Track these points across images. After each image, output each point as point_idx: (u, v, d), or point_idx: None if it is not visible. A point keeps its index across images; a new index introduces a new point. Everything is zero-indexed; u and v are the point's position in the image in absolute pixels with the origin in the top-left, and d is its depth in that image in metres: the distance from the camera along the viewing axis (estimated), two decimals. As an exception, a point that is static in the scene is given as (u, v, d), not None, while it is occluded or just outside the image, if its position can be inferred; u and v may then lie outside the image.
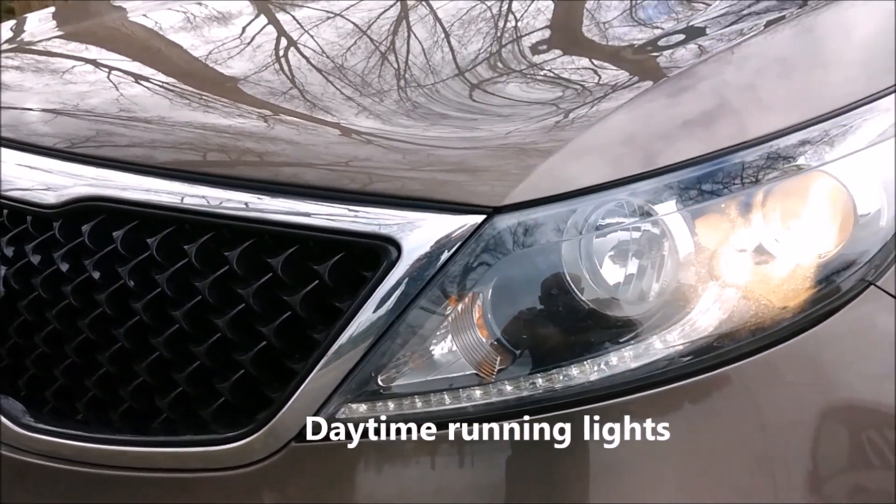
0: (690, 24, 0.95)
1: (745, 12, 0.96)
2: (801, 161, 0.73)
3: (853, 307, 0.72)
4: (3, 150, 0.88)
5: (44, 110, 0.93)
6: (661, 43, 0.90)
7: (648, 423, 0.67)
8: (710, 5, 0.98)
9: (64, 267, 0.81)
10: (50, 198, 0.83)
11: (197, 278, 0.75)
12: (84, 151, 0.84)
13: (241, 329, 0.74)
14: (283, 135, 0.81)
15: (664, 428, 0.67)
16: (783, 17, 0.92)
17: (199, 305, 0.75)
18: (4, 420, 0.84)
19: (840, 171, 0.73)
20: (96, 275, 0.79)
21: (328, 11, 1.16)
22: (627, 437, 0.67)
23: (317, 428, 0.69)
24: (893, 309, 0.73)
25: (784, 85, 0.80)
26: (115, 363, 0.79)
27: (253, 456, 0.71)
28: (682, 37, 0.90)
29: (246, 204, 0.75)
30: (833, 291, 0.71)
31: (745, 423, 0.70)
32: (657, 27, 0.96)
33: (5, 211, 0.88)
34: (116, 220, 0.81)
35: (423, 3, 1.19)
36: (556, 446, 0.67)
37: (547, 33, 1.04)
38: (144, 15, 1.29)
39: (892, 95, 0.82)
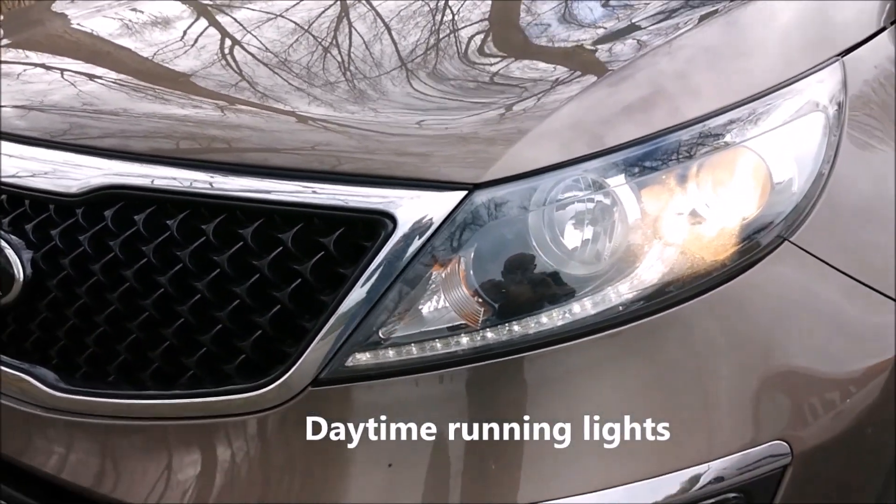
0: (631, 21, 1.08)
1: (681, 8, 1.10)
2: (727, 138, 0.88)
3: (771, 258, 0.87)
4: (28, 146, 0.98)
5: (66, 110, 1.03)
6: (603, 39, 1.04)
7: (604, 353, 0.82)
8: (648, 3, 1.12)
9: (90, 248, 0.92)
10: (73, 187, 0.94)
11: (215, 253, 0.87)
12: (102, 145, 0.95)
13: (256, 296, 0.85)
14: (286, 128, 0.93)
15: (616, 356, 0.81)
16: (716, 11, 1.05)
17: (218, 277, 0.87)
18: (40, 385, 0.95)
19: (759, 146, 0.88)
20: (123, 254, 0.90)
21: None
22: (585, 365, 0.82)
23: (329, 375, 0.82)
24: (802, 258, 0.89)
25: (713, 72, 0.94)
26: (144, 330, 0.90)
27: (278, 399, 0.83)
28: (623, 33, 1.04)
29: (256, 188, 0.86)
30: (754, 246, 0.86)
31: (683, 351, 0.84)
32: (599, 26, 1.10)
33: (27, 200, 0.98)
34: (134, 205, 0.92)
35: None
36: (527, 377, 0.82)
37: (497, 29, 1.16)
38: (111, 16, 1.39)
39: (805, 79, 0.97)
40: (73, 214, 0.95)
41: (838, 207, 0.93)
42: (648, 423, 0.83)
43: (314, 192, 0.84)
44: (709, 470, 0.84)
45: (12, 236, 0.97)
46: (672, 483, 0.83)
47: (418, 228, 0.81)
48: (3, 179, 0.99)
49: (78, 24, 1.42)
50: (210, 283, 0.87)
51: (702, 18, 1.05)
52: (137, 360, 0.91)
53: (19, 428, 0.97)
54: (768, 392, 0.87)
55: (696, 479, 0.84)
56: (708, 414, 0.85)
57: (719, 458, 0.84)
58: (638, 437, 0.83)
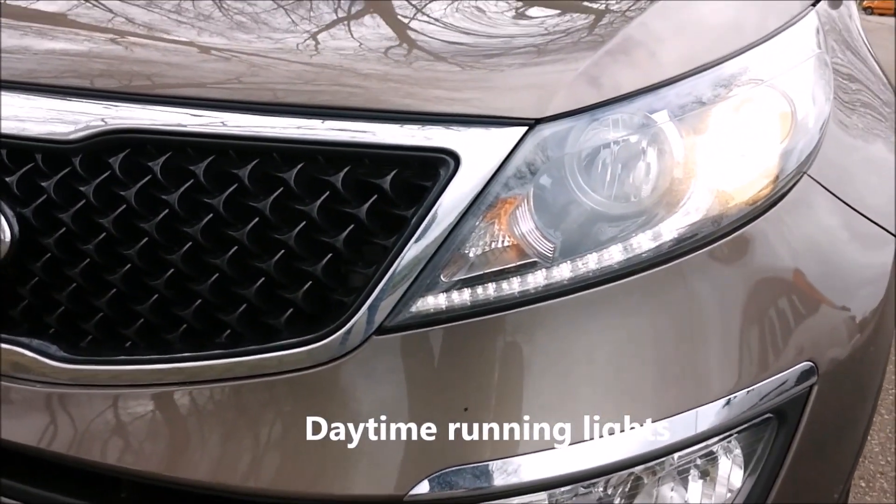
0: None
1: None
2: (756, 75, 0.91)
3: (795, 191, 0.92)
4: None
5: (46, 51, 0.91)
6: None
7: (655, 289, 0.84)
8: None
9: (95, 200, 0.82)
10: (68, 133, 0.83)
11: (252, 200, 0.80)
12: (102, 86, 0.85)
13: (304, 243, 0.80)
14: (330, 60, 0.86)
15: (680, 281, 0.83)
16: None
17: (259, 224, 0.80)
18: (42, 358, 0.85)
19: (784, 84, 0.92)
20: (138, 204, 0.81)
21: None
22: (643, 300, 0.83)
23: (396, 321, 0.79)
24: (818, 191, 0.94)
25: (734, 11, 0.97)
26: (172, 288, 0.82)
27: (339, 351, 0.79)
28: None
29: (298, 127, 0.80)
30: (784, 180, 0.90)
31: (722, 284, 0.87)
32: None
33: (3, 150, 0.86)
34: (144, 151, 0.83)
35: None
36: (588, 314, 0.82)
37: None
38: None
39: (798, 23, 1.03)
40: (67, 164, 0.84)
41: (838, 142, 0.99)
42: (694, 354, 0.86)
43: (366, 131, 0.79)
44: (749, 394, 0.88)
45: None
46: (715, 409, 0.86)
47: (481, 166, 0.79)
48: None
49: None
50: (250, 232, 0.80)
51: None
52: (163, 321, 0.83)
53: (20, 409, 0.86)
54: (797, 318, 0.91)
55: (736, 404, 0.87)
56: (748, 342, 0.88)
57: (758, 382, 0.87)
58: (686, 367, 0.85)
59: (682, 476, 0.89)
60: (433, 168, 0.79)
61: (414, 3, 1.02)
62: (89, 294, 0.84)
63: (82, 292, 0.85)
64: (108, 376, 0.84)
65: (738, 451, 0.91)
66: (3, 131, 0.85)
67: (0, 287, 0.87)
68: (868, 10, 26.08)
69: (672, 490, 0.89)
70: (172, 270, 0.82)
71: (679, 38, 0.92)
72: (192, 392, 0.82)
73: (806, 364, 0.90)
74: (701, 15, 0.97)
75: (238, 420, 0.81)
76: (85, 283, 0.84)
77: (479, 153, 0.79)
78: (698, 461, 0.89)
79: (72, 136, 0.83)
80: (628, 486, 0.86)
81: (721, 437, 0.87)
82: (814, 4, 1.15)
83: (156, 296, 0.83)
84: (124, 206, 0.82)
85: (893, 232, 1.03)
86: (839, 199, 0.96)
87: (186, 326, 0.83)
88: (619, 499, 0.86)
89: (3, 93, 0.86)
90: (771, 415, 0.90)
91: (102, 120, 0.83)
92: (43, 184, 0.84)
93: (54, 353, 0.85)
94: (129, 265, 0.83)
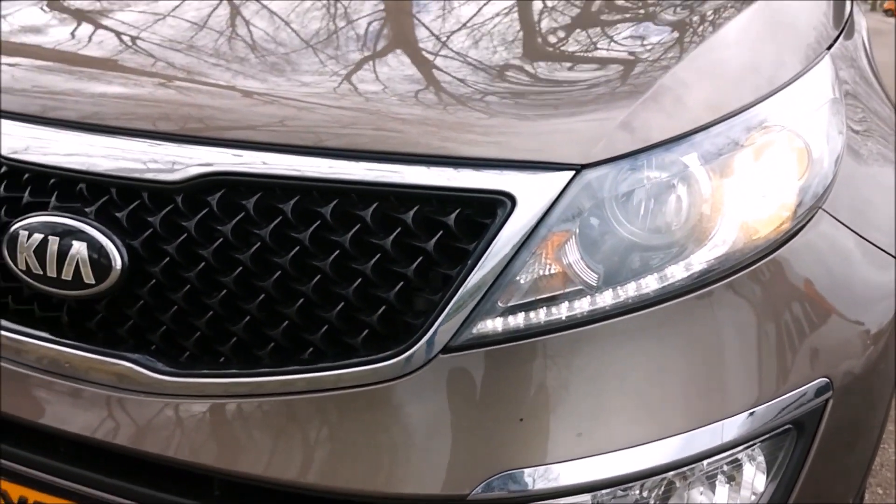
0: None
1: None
2: (778, 121, 1.02)
3: (811, 224, 1.02)
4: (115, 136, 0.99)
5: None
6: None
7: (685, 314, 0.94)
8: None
9: (196, 233, 0.95)
10: (172, 175, 0.95)
11: (334, 234, 0.92)
12: (203, 134, 0.97)
13: (379, 272, 0.91)
14: (403, 112, 0.98)
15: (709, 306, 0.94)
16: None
17: (339, 256, 0.92)
18: (146, 371, 0.97)
19: (801, 127, 1.03)
20: (233, 238, 0.93)
21: None
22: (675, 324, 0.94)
23: (459, 341, 0.90)
24: (832, 224, 1.05)
25: (753, 60, 1.09)
26: (261, 310, 0.94)
27: (408, 368, 0.90)
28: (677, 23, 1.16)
29: (370, 170, 0.92)
30: (803, 215, 1.01)
31: (748, 309, 0.98)
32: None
33: (113, 189, 0.99)
34: (238, 191, 0.95)
35: None
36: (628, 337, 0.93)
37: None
38: None
39: (815, 68, 1.14)
40: (170, 202, 0.96)
41: (850, 178, 1.10)
42: (721, 371, 0.96)
43: (436, 174, 0.91)
44: (770, 407, 0.98)
45: (100, 224, 0.97)
46: (739, 421, 0.97)
47: (535, 206, 0.90)
48: (88, 168, 0.99)
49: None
50: (332, 262, 0.92)
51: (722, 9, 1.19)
52: (254, 340, 0.95)
53: (125, 416, 0.98)
54: (813, 338, 1.02)
55: (758, 416, 0.97)
56: (769, 361, 0.99)
57: (779, 396, 0.98)
58: (714, 383, 0.96)
59: (710, 480, 0.99)
60: (492, 207, 0.91)
61: (458, 49, 1.13)
62: (189, 315, 0.96)
63: (183, 314, 0.97)
64: (205, 388, 0.96)
65: (761, 459, 1.02)
66: (114, 172, 0.98)
67: (110, 309, 0.99)
68: (888, 13, 25.95)
69: (701, 493, 1.00)
70: (263, 296, 0.94)
71: (707, 87, 1.03)
72: (279, 402, 0.94)
73: (822, 380, 1.01)
74: (726, 65, 1.08)
75: (321, 427, 0.93)
76: (186, 306, 0.96)
77: (532, 195, 0.90)
78: (725, 467, 0.99)
79: (175, 178, 0.95)
80: (662, 489, 0.97)
81: (745, 445, 0.98)
82: (829, 48, 1.27)
83: (248, 317, 0.95)
84: (221, 239, 0.94)
85: (894, 255, 1.13)
86: (849, 228, 1.07)
87: (274, 344, 0.95)
88: (653, 501, 0.97)
89: (114, 136, 0.99)
90: (791, 426, 1.00)
91: (202, 163, 0.95)
92: (149, 219, 0.96)
93: (158, 367, 0.97)
94: (225, 291, 0.94)
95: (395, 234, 0.91)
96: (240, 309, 0.95)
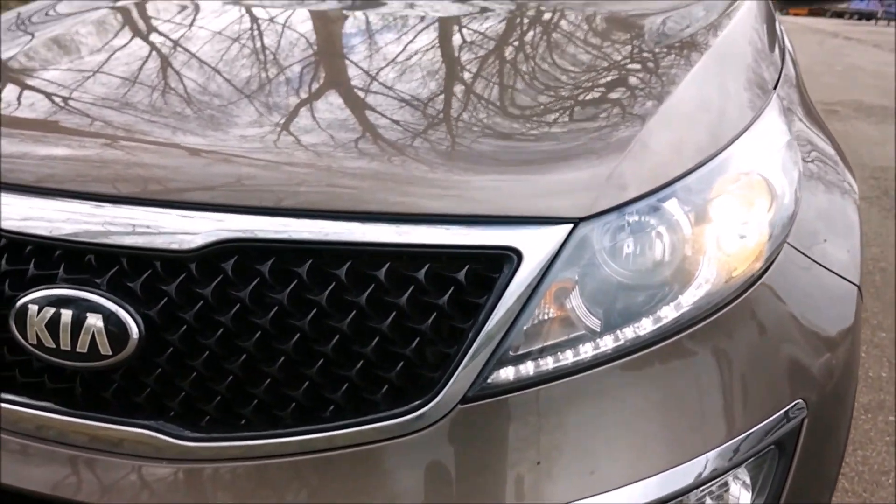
0: (646, 61, 1.29)
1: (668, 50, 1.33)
2: (743, 164, 1.11)
3: (780, 258, 1.12)
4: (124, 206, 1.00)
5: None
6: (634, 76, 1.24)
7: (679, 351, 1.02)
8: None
9: (213, 300, 0.97)
10: (189, 243, 0.98)
11: (349, 295, 0.96)
12: (214, 200, 1.00)
13: (395, 330, 0.96)
14: (411, 173, 1.03)
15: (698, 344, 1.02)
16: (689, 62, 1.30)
17: (356, 316, 0.96)
18: (167, 438, 0.99)
19: (764, 168, 1.13)
20: (250, 302, 0.97)
21: None
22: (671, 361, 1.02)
23: (476, 392, 0.95)
24: (796, 256, 1.14)
25: (719, 111, 1.18)
26: (281, 372, 0.97)
27: (429, 420, 0.95)
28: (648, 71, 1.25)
29: (389, 232, 0.96)
30: (773, 250, 1.10)
31: (732, 343, 1.06)
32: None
33: (123, 259, 1.00)
34: (251, 256, 0.98)
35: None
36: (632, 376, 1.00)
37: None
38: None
39: (766, 112, 1.24)
40: (184, 269, 0.98)
41: (807, 210, 1.20)
42: (713, 403, 1.05)
43: (446, 233, 0.96)
44: (752, 434, 1.06)
45: (112, 294, 0.98)
46: (729, 448, 1.05)
47: (538, 258, 0.96)
48: (96, 240, 1.00)
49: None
50: (350, 322, 0.96)
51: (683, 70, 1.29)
52: (275, 400, 0.98)
53: (145, 483, 1.00)
54: (789, 364, 1.11)
55: (744, 442, 1.06)
56: (753, 389, 1.08)
57: (762, 422, 1.07)
58: (706, 415, 1.04)
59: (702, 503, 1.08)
60: (499, 262, 0.96)
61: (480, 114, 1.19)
62: (209, 380, 0.99)
63: (202, 379, 0.99)
64: (228, 451, 0.99)
65: (746, 478, 1.10)
66: (125, 242, 0.99)
67: (126, 377, 1.00)
68: (784, 11, 27.22)
69: None
70: (283, 358, 0.97)
71: (678, 137, 1.12)
72: (303, 461, 0.97)
73: (798, 401, 1.10)
74: (692, 116, 1.17)
75: (345, 483, 0.97)
76: (205, 372, 0.98)
77: (536, 248, 0.96)
78: (715, 490, 1.08)
79: (188, 246, 0.98)
80: None
81: (734, 468, 1.06)
82: (775, 87, 1.38)
83: (269, 380, 0.98)
84: (238, 304, 0.97)
85: (855, 282, 1.24)
86: (811, 259, 1.17)
87: (295, 404, 0.98)
88: None
89: (120, 205, 1.01)
90: (773, 446, 1.09)
91: (213, 231, 0.98)
92: (163, 287, 0.98)
93: (179, 433, 0.99)
94: (245, 355, 0.97)
95: (409, 291, 0.96)
96: (260, 371, 0.98)
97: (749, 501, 1.11)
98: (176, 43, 1.51)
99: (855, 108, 8.26)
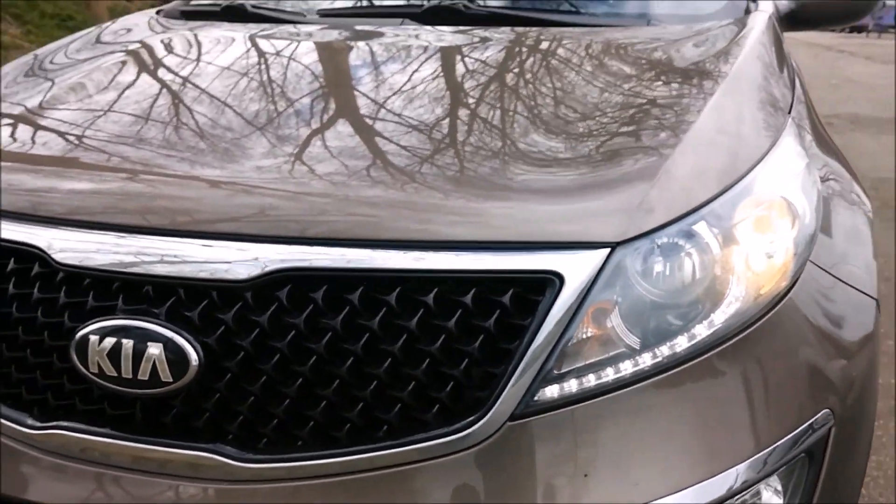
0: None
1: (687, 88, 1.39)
2: (765, 188, 1.17)
3: (804, 276, 1.17)
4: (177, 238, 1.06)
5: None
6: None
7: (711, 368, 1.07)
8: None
9: (268, 327, 1.02)
10: (239, 274, 1.03)
11: (400, 320, 1.01)
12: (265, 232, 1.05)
13: (445, 352, 1.01)
14: (458, 204, 1.08)
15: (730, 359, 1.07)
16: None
17: (407, 340, 1.01)
18: (229, 460, 1.03)
19: (786, 191, 1.18)
20: (305, 329, 1.01)
21: None
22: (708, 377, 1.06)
23: (522, 409, 1.00)
24: (819, 274, 1.20)
25: (739, 136, 1.24)
26: (336, 394, 1.02)
27: (480, 437, 1.00)
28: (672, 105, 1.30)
29: (418, 259, 1.01)
30: (797, 268, 1.15)
31: (765, 356, 1.11)
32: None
33: (181, 290, 1.05)
34: (304, 284, 1.03)
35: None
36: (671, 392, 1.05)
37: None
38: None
39: (784, 134, 1.30)
40: (240, 298, 1.03)
41: (826, 228, 1.25)
42: (747, 416, 1.09)
43: (492, 259, 1.01)
44: (787, 441, 1.11)
45: (171, 324, 1.03)
46: (763, 458, 1.09)
47: (579, 281, 1.01)
48: (152, 272, 1.05)
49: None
50: (402, 346, 1.01)
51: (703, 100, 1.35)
52: (330, 422, 1.03)
53: None
54: (817, 376, 1.16)
55: (776, 452, 1.10)
56: (782, 401, 1.12)
57: (791, 432, 1.11)
58: (739, 428, 1.09)
59: (739, 510, 1.12)
60: (541, 285, 1.01)
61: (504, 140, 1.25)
62: (267, 404, 1.03)
63: (260, 403, 1.03)
64: (288, 471, 1.03)
65: (778, 486, 1.15)
66: (181, 274, 1.04)
67: (185, 403, 1.05)
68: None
69: None
70: (338, 381, 1.02)
71: (704, 163, 1.17)
72: (360, 479, 1.02)
73: (826, 411, 1.15)
74: (715, 141, 1.22)
75: (404, 500, 1.01)
76: (263, 396, 1.03)
77: (576, 272, 1.01)
78: (747, 498, 1.12)
79: (243, 277, 1.03)
80: None
81: (768, 476, 1.11)
82: (789, 112, 1.43)
83: (324, 402, 1.02)
84: (293, 331, 1.02)
85: (873, 295, 1.29)
86: (832, 275, 1.22)
87: (351, 425, 1.03)
88: None
89: (177, 238, 1.06)
90: (803, 454, 1.14)
91: (268, 262, 1.03)
92: (220, 316, 1.03)
93: (239, 455, 1.04)
94: (301, 379, 1.02)
95: (457, 315, 1.01)
96: (316, 394, 1.02)
97: (779, 508, 1.16)
98: (211, 79, 1.57)
99: (851, 120, 8.35)
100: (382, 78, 1.53)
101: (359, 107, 1.40)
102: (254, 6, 2.15)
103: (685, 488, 1.03)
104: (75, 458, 1.10)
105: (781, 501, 1.16)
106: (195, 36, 1.92)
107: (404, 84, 1.46)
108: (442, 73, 1.54)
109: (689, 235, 1.09)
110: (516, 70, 1.54)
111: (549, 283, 1.01)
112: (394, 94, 1.43)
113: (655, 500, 1.01)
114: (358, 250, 1.03)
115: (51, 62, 1.86)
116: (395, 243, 1.03)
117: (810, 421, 1.14)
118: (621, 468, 1.02)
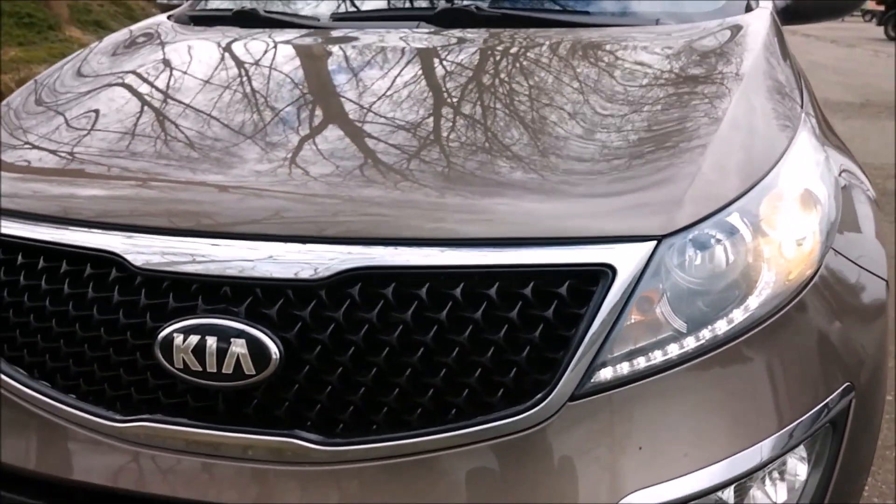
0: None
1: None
2: (794, 182, 1.27)
3: (826, 261, 1.27)
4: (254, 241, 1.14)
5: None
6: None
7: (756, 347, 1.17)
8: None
9: (343, 322, 1.10)
10: (314, 274, 1.11)
11: (466, 312, 1.10)
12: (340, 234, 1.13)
13: (509, 340, 1.10)
14: (518, 207, 1.17)
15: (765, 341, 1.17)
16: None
17: (473, 330, 1.10)
18: (312, 444, 1.11)
19: (810, 182, 1.28)
20: (378, 322, 1.10)
21: None
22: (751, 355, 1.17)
23: (581, 391, 1.10)
24: (839, 259, 1.30)
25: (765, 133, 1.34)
26: (409, 382, 1.10)
27: (543, 417, 1.09)
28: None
29: (501, 255, 1.10)
30: (821, 252, 1.26)
31: (797, 335, 1.21)
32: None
33: (258, 290, 1.13)
34: (373, 282, 1.11)
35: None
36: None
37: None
38: None
39: (800, 130, 1.40)
40: (315, 296, 1.11)
41: (843, 214, 1.36)
42: (781, 390, 1.20)
43: (550, 254, 1.10)
44: (815, 412, 1.22)
45: (251, 321, 1.11)
46: (793, 429, 1.20)
47: (630, 271, 1.11)
48: (230, 273, 1.13)
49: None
50: (469, 335, 1.09)
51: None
52: (404, 407, 1.11)
53: (287, 487, 1.13)
54: (839, 352, 1.27)
55: (804, 423, 1.21)
56: (811, 376, 1.23)
57: (819, 403, 1.22)
58: (772, 402, 1.19)
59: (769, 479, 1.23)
60: (595, 276, 1.11)
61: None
62: (344, 393, 1.12)
63: (337, 392, 1.12)
64: (363, 453, 1.12)
65: (803, 454, 1.26)
66: (260, 274, 1.12)
67: (266, 394, 1.13)
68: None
69: (757, 490, 1.22)
70: (410, 370, 1.10)
71: (735, 160, 1.27)
72: (432, 458, 1.11)
73: (847, 384, 1.26)
74: (743, 140, 1.33)
75: (467, 478, 1.10)
76: (340, 385, 1.11)
77: (627, 263, 1.11)
78: (776, 465, 1.23)
79: (319, 276, 1.11)
80: (741, 492, 1.19)
81: (796, 446, 1.21)
82: (801, 106, 1.54)
83: (397, 389, 1.11)
84: (367, 325, 1.10)
85: (884, 277, 1.40)
86: (849, 259, 1.33)
87: (422, 409, 1.11)
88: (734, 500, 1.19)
89: (255, 241, 1.14)
90: (828, 424, 1.24)
91: (341, 261, 1.11)
92: (297, 313, 1.11)
93: (319, 439, 1.12)
94: (375, 369, 1.10)
95: (518, 306, 1.10)
96: (390, 382, 1.11)
97: (805, 474, 1.26)
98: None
99: (822, 105, 8.54)
100: (424, 80, 1.61)
101: (410, 112, 1.48)
102: (267, 11, 2.21)
103: (726, 458, 1.13)
104: (160, 447, 1.17)
105: (806, 468, 1.26)
106: (225, 43, 1.98)
107: (443, 86, 1.55)
108: (477, 75, 1.62)
109: (725, 227, 1.18)
110: (546, 71, 1.62)
111: (602, 274, 1.10)
112: (436, 96, 1.51)
113: (704, 467, 1.11)
114: (424, 249, 1.11)
115: (80, 73, 1.91)
116: (459, 242, 1.12)
117: (834, 394, 1.24)
118: (671, 441, 1.12)
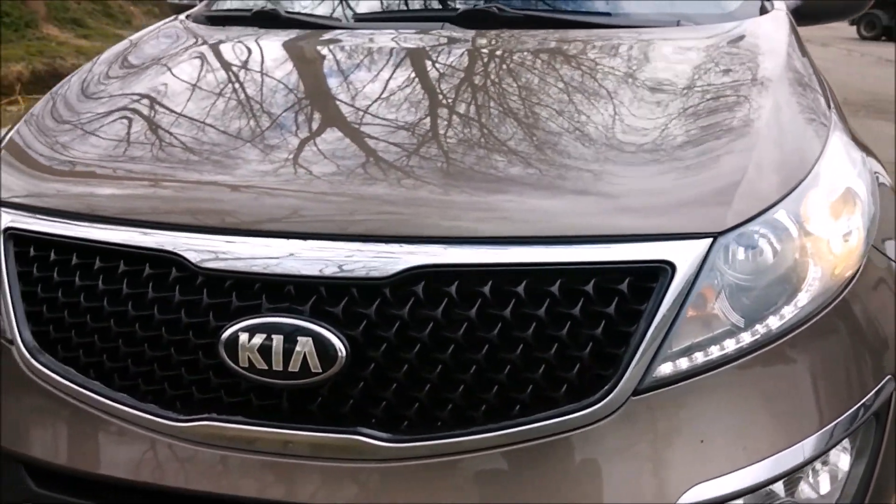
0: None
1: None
2: (835, 180, 1.30)
3: (868, 258, 1.31)
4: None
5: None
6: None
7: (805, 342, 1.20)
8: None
9: (408, 319, 1.12)
10: (380, 272, 1.12)
11: (529, 308, 1.12)
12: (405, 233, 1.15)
13: (572, 336, 1.12)
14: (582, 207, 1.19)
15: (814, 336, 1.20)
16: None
17: (537, 326, 1.11)
18: (378, 442, 1.13)
19: (854, 184, 1.32)
20: (443, 319, 1.11)
21: None
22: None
23: (643, 385, 1.12)
24: (878, 256, 1.34)
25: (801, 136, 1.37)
26: (474, 378, 1.12)
27: (608, 411, 1.11)
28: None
29: (563, 253, 1.12)
30: (866, 249, 1.29)
31: (843, 330, 1.25)
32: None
33: (322, 288, 1.14)
34: (436, 280, 1.13)
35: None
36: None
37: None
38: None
39: (833, 129, 1.44)
40: (379, 294, 1.13)
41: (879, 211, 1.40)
42: (832, 383, 1.23)
43: (610, 251, 1.12)
44: (862, 404, 1.25)
45: (316, 319, 1.12)
46: (840, 422, 1.23)
47: (688, 268, 1.13)
48: (294, 272, 1.14)
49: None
50: (533, 331, 1.11)
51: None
52: (469, 403, 1.13)
53: (355, 483, 1.14)
54: (880, 347, 1.30)
55: (850, 417, 1.24)
56: (858, 369, 1.26)
57: (865, 396, 1.25)
58: (827, 393, 1.23)
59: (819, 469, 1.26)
60: (654, 273, 1.13)
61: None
62: (409, 390, 1.13)
63: (403, 389, 1.13)
64: (429, 450, 1.13)
65: (847, 444, 1.29)
66: (325, 273, 1.13)
67: (332, 392, 1.14)
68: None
69: (804, 483, 1.26)
70: (475, 366, 1.12)
71: (779, 160, 1.31)
72: (498, 454, 1.12)
73: (888, 377, 1.30)
74: (784, 141, 1.36)
75: (535, 473, 1.11)
76: (406, 382, 1.13)
77: (686, 259, 1.13)
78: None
79: (383, 274, 1.12)
80: (792, 484, 1.22)
81: (843, 438, 1.25)
82: (829, 106, 1.58)
83: (462, 385, 1.12)
84: (432, 322, 1.12)
85: None
86: (884, 254, 1.37)
87: (486, 405, 1.13)
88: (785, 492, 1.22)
89: (318, 241, 1.15)
90: (872, 416, 1.28)
91: (405, 260, 1.12)
92: (362, 311, 1.12)
93: (386, 436, 1.13)
94: (441, 366, 1.12)
95: (580, 303, 1.12)
96: (455, 379, 1.12)
97: (847, 466, 1.30)
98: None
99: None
100: (467, 81, 1.62)
101: (462, 113, 1.49)
102: (288, 12, 2.21)
103: (782, 450, 1.16)
104: (224, 447, 1.18)
105: (849, 459, 1.30)
106: (256, 43, 1.98)
107: (486, 87, 1.57)
108: (521, 78, 1.64)
109: (773, 225, 1.21)
110: (584, 74, 1.65)
111: (662, 271, 1.13)
112: (497, 99, 1.53)
113: (763, 458, 1.14)
114: (486, 247, 1.13)
115: (107, 77, 1.90)
116: (520, 240, 1.14)
117: (878, 387, 1.28)
118: (730, 434, 1.15)
